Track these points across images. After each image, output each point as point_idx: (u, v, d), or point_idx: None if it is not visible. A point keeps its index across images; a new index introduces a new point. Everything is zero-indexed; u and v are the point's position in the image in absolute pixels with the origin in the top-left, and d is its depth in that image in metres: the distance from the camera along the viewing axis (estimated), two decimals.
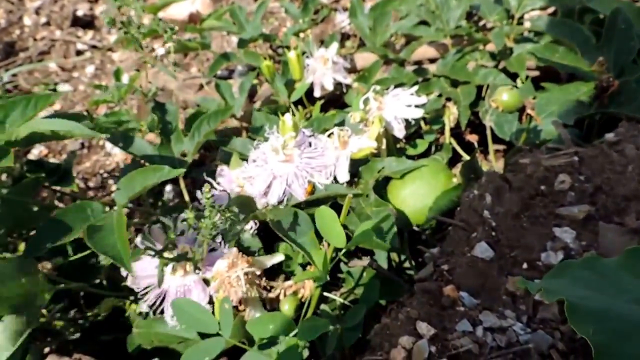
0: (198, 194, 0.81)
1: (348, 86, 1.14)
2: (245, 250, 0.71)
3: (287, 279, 0.76)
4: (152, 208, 1.01)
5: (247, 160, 0.77)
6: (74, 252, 0.80)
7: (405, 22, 1.18)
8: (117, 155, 1.35)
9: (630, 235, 0.58)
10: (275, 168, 0.70)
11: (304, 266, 0.77)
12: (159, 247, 0.65)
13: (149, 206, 1.00)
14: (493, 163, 0.98)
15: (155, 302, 0.69)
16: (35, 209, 0.80)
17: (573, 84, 0.93)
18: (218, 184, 0.80)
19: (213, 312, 0.66)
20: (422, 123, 1.04)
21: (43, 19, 1.84)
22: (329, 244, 0.61)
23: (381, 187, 0.86)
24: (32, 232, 0.85)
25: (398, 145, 0.99)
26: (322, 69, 1.09)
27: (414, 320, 0.54)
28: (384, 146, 0.87)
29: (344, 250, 0.62)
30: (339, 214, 0.60)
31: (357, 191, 0.75)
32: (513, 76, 1.02)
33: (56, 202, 0.95)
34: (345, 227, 0.68)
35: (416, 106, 0.88)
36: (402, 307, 0.58)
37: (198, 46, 1.24)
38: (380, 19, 1.18)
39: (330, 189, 0.73)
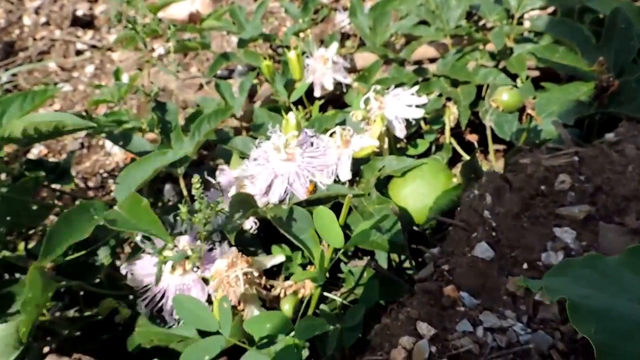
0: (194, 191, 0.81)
1: (348, 86, 1.14)
2: (245, 251, 0.71)
3: (287, 278, 0.76)
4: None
5: (247, 158, 0.77)
6: (73, 252, 0.80)
7: (405, 21, 1.18)
8: (117, 155, 1.34)
9: (630, 235, 0.58)
10: (276, 167, 0.70)
11: (304, 266, 0.77)
12: (159, 245, 0.65)
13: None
14: (493, 163, 0.98)
15: (154, 301, 0.69)
16: (35, 207, 0.80)
17: (573, 84, 0.93)
18: (218, 183, 0.80)
19: (212, 311, 0.66)
20: (422, 123, 1.04)
21: (43, 19, 1.83)
22: (328, 244, 0.61)
23: (382, 186, 0.86)
24: (32, 232, 0.85)
25: (398, 145, 0.99)
26: (322, 69, 1.09)
27: (414, 320, 0.54)
28: (385, 145, 0.87)
29: (342, 250, 0.62)
30: (340, 213, 0.60)
31: (358, 191, 0.75)
32: (513, 76, 1.02)
33: (55, 202, 0.95)
34: (347, 226, 0.68)
35: (417, 106, 0.88)
36: (403, 307, 0.58)
37: (198, 46, 1.24)
38: (380, 19, 1.18)
39: (332, 189, 0.73)
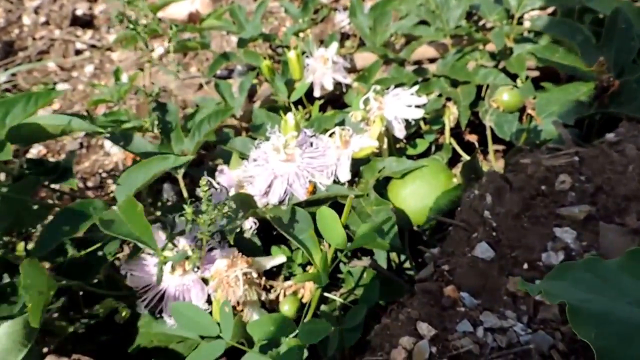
0: (198, 191, 0.81)
1: (348, 86, 1.14)
2: (244, 251, 0.70)
3: (287, 279, 0.76)
4: (152, 207, 1.00)
5: (247, 159, 0.77)
6: (73, 252, 0.80)
7: (405, 21, 1.18)
8: (116, 155, 1.34)
9: (631, 235, 0.58)
10: (276, 167, 0.70)
11: (303, 267, 0.77)
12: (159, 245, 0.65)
13: (148, 205, 1.00)
14: (493, 163, 0.98)
15: (154, 301, 0.69)
16: (35, 207, 0.80)
17: (573, 84, 0.93)
18: (218, 183, 0.80)
19: (211, 312, 0.66)
20: (421, 123, 1.04)
21: (42, 18, 1.83)
22: (329, 245, 0.61)
23: (381, 186, 0.86)
24: (32, 231, 0.85)
25: (398, 145, 0.99)
26: (322, 69, 1.09)
27: (415, 320, 0.54)
28: (385, 146, 0.87)
29: (344, 252, 0.62)
30: (339, 213, 0.60)
31: (358, 192, 0.75)
32: (513, 76, 1.02)
33: (55, 202, 0.95)
34: (346, 227, 0.68)
35: (416, 106, 0.88)
36: (403, 307, 0.58)
37: (197, 46, 1.24)
38: (380, 19, 1.18)
39: (332, 190, 0.73)
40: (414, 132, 1.02)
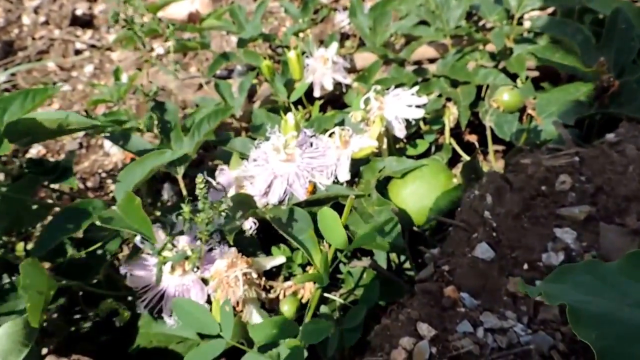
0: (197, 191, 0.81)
1: (348, 86, 1.14)
2: (244, 251, 0.70)
3: (286, 279, 0.76)
4: (151, 207, 1.00)
5: (247, 159, 0.77)
6: (73, 252, 0.80)
7: (405, 22, 1.18)
8: (116, 155, 1.34)
9: (631, 236, 0.58)
10: (276, 167, 0.70)
11: (303, 267, 0.77)
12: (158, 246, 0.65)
13: (148, 206, 1.00)
14: (493, 163, 0.98)
15: (153, 301, 0.69)
16: (34, 207, 0.80)
17: (573, 85, 0.93)
18: (217, 183, 0.80)
19: (211, 312, 0.66)
20: (421, 123, 1.04)
21: (42, 18, 1.83)
22: (329, 245, 0.61)
23: (381, 187, 0.86)
24: (31, 231, 0.85)
25: (398, 146, 0.99)
26: (322, 69, 1.09)
27: (415, 321, 0.54)
28: (385, 146, 0.87)
29: (344, 252, 0.62)
30: (339, 213, 0.60)
31: (358, 192, 0.75)
32: (513, 76, 1.02)
33: (55, 202, 0.95)
34: (346, 227, 0.68)
35: (417, 106, 0.88)
36: (403, 308, 0.57)
37: (197, 46, 1.23)
38: (380, 19, 1.18)
39: (332, 190, 0.73)
40: (414, 132, 1.02)
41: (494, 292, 0.57)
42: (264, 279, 0.70)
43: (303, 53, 1.08)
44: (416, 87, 0.89)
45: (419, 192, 0.82)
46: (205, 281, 0.69)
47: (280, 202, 0.70)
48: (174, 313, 0.64)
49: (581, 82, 0.93)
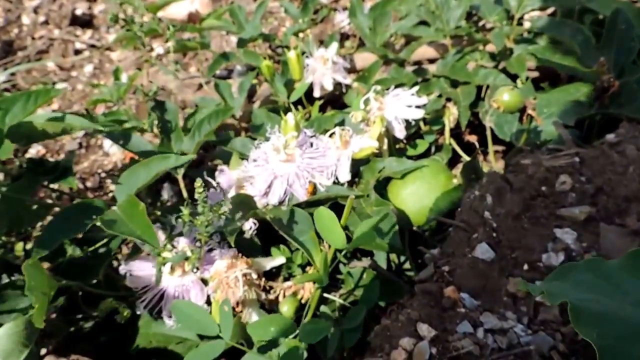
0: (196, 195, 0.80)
1: (348, 86, 1.14)
2: (244, 252, 0.70)
3: (286, 280, 0.76)
4: (151, 207, 1.00)
5: (246, 159, 0.77)
6: (73, 252, 0.80)
7: (405, 22, 1.18)
8: (116, 155, 1.34)
9: (631, 236, 0.58)
10: (276, 168, 0.69)
11: (303, 268, 0.77)
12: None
13: (148, 206, 1.00)
14: (493, 164, 0.98)
15: (153, 302, 0.68)
16: (34, 207, 0.80)
17: (573, 85, 0.93)
18: (218, 183, 0.80)
19: (210, 312, 0.66)
20: (421, 123, 1.04)
21: (41, 18, 1.83)
22: (329, 246, 0.61)
23: (381, 187, 0.86)
24: (31, 231, 0.85)
25: (398, 146, 0.99)
26: (322, 69, 1.09)
27: (415, 321, 0.54)
28: (385, 146, 0.87)
29: (344, 252, 0.62)
30: (339, 214, 0.60)
31: (358, 193, 0.75)
32: (513, 77, 1.02)
33: (54, 202, 0.95)
34: (346, 227, 0.68)
35: (416, 107, 0.88)
36: (403, 308, 0.57)
37: (197, 46, 1.23)
38: (380, 19, 1.18)
39: (332, 190, 0.73)
40: (414, 132, 1.02)
41: (494, 293, 0.57)
42: (263, 279, 0.70)
43: (303, 53, 1.08)
44: (416, 88, 0.89)
45: (419, 193, 0.81)
46: (205, 282, 0.69)
47: (281, 203, 0.70)
48: (173, 316, 0.64)
49: (581, 82, 0.93)
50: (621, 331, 0.35)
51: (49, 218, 0.85)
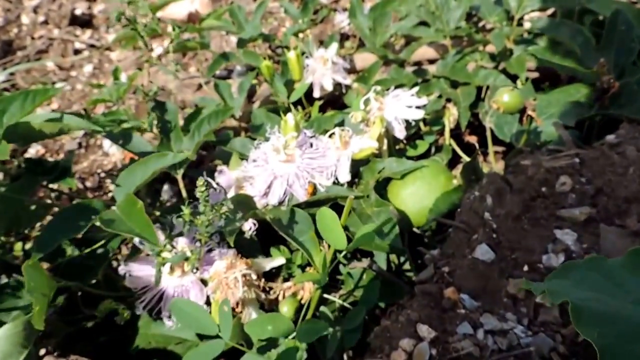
0: (197, 192, 0.80)
1: (347, 87, 1.14)
2: (243, 252, 0.70)
3: (286, 280, 0.76)
4: (150, 207, 1.00)
5: (246, 160, 0.77)
6: (72, 252, 0.80)
7: (405, 22, 1.18)
8: (115, 155, 1.34)
9: (631, 237, 0.58)
10: (276, 168, 0.69)
11: (303, 268, 0.77)
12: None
13: (148, 206, 0.99)
14: (493, 164, 0.98)
15: (152, 302, 0.68)
16: (33, 207, 0.80)
17: (573, 86, 0.93)
18: (217, 184, 0.80)
19: (210, 313, 0.66)
20: (421, 124, 1.04)
21: (41, 18, 1.83)
22: (329, 246, 0.61)
23: (381, 187, 0.86)
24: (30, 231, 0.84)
25: (398, 146, 0.99)
26: (322, 70, 1.09)
27: (415, 322, 0.54)
28: (385, 147, 0.87)
29: (344, 252, 0.61)
30: (339, 214, 0.59)
31: (358, 193, 0.75)
32: (513, 77, 1.02)
33: (53, 202, 0.95)
34: (345, 228, 0.68)
35: (416, 107, 0.88)
36: (403, 309, 0.57)
37: (197, 46, 1.23)
38: (380, 20, 1.18)
39: (331, 191, 0.73)
40: (413, 133, 1.02)
41: (494, 294, 0.57)
42: (263, 280, 0.70)
43: (303, 53, 1.08)
44: (416, 88, 0.89)
45: (418, 193, 0.81)
46: (204, 282, 0.69)
47: (280, 203, 0.70)
48: (172, 314, 0.64)
49: (581, 83, 0.93)
50: (622, 330, 0.35)
51: (48, 218, 0.85)
